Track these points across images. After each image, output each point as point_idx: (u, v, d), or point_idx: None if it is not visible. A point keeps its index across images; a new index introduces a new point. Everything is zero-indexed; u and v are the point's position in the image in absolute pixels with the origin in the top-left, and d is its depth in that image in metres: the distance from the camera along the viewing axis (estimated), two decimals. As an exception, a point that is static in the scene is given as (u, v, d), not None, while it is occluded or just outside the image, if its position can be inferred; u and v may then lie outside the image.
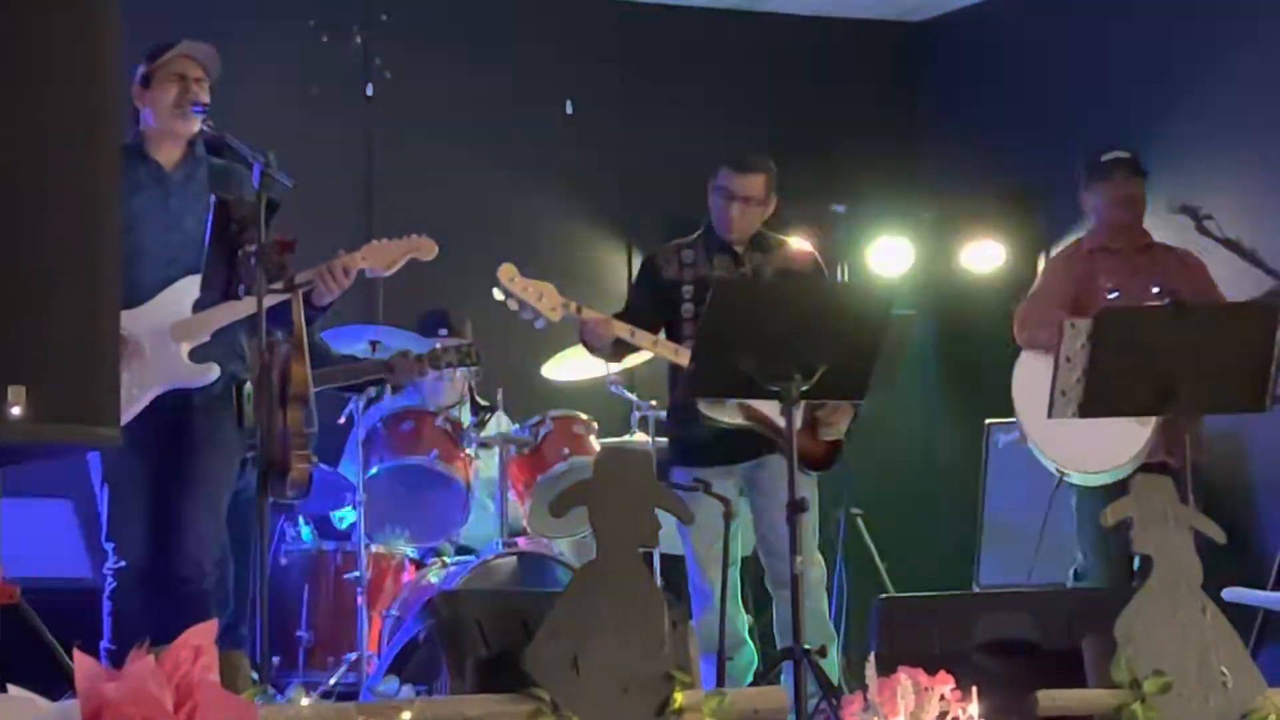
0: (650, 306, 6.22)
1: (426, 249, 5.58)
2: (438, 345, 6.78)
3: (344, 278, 5.39)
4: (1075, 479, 6.21)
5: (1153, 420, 5.97)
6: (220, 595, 5.43)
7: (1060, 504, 6.40)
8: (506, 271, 5.84)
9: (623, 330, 5.95)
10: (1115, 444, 6.05)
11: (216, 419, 5.40)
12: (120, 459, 5.30)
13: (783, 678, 5.37)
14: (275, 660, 6.48)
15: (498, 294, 5.84)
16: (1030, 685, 4.20)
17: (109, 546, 5.46)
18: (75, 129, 3.59)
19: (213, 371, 5.38)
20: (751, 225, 6.27)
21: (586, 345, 6.16)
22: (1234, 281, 6.41)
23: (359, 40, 8.06)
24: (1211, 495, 6.10)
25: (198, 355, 5.38)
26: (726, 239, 6.26)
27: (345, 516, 7.04)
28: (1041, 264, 8.58)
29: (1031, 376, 6.07)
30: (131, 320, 5.09)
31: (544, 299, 5.85)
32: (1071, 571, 6.41)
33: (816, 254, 6.49)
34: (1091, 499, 6.17)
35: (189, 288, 5.36)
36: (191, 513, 5.37)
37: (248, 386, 5.36)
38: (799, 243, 6.53)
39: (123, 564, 5.42)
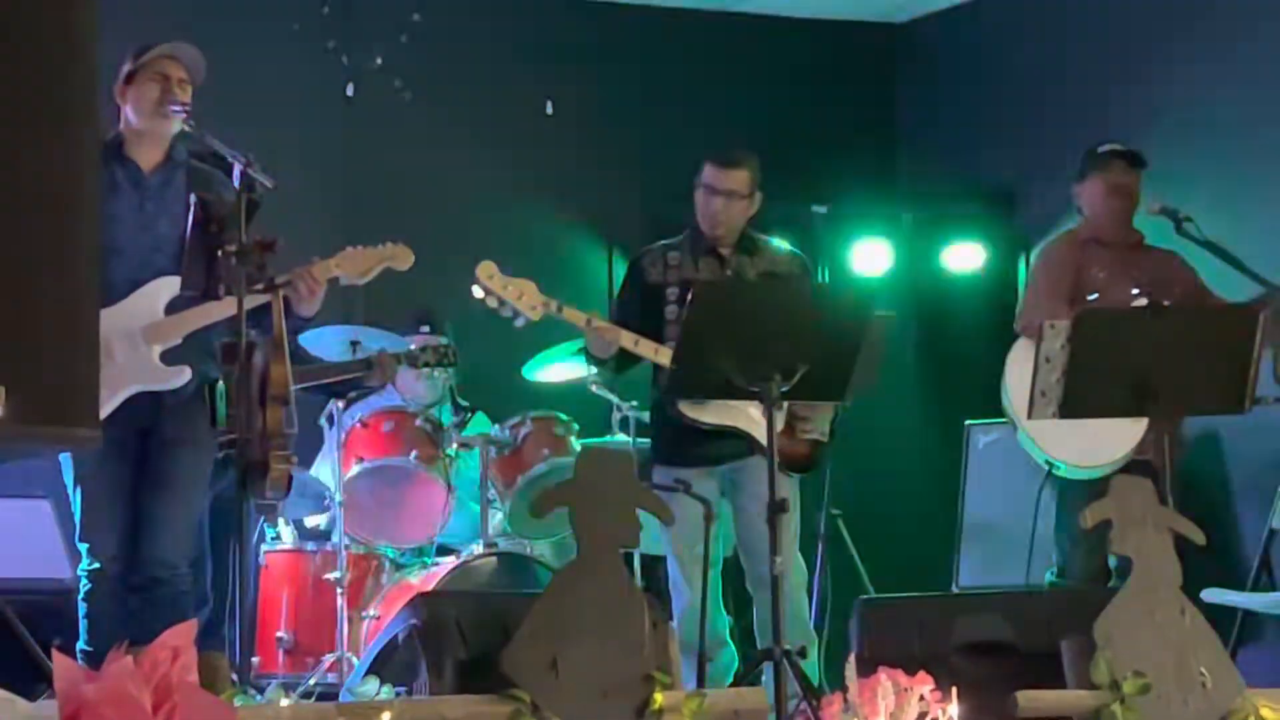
0: (637, 309, 6.22)
1: (402, 257, 5.57)
2: (414, 345, 6.78)
3: (315, 284, 5.37)
4: (1064, 472, 6.21)
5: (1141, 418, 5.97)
6: (197, 596, 5.43)
7: (1030, 498, 6.38)
8: (486, 269, 5.83)
9: (629, 340, 5.94)
10: (1110, 439, 6.05)
11: (188, 420, 5.38)
12: (91, 460, 5.29)
13: (763, 678, 5.37)
14: (255, 661, 6.48)
15: (477, 292, 5.83)
16: (1009, 686, 4.21)
17: (82, 548, 5.45)
18: (53, 129, 3.58)
19: (184, 374, 5.37)
20: (736, 220, 6.27)
21: (592, 358, 6.16)
22: (1217, 283, 6.42)
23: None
24: (1190, 496, 6.11)
25: (169, 357, 5.37)
26: (713, 236, 6.26)
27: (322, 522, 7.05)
28: (1023, 265, 8.60)
29: (1027, 365, 6.05)
30: (103, 321, 5.07)
31: (524, 297, 5.84)
32: (1048, 572, 6.41)
33: (803, 256, 6.49)
34: (1073, 494, 6.18)
35: (161, 289, 5.35)
36: (164, 514, 5.37)
37: (220, 386, 5.35)
38: (785, 244, 6.53)
39: (96, 565, 5.41)
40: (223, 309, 5.17)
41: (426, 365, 6.75)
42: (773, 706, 4.91)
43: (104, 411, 5.16)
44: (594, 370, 6.59)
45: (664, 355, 5.94)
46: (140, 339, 5.34)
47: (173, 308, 5.37)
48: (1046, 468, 6.22)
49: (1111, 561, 6.10)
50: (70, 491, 5.47)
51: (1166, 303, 5.85)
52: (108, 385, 5.21)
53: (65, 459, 5.42)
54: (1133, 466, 5.86)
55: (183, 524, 5.39)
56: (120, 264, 5.35)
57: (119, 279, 5.33)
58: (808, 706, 5.17)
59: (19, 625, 4.99)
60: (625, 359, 6.09)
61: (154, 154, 5.52)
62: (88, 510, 5.42)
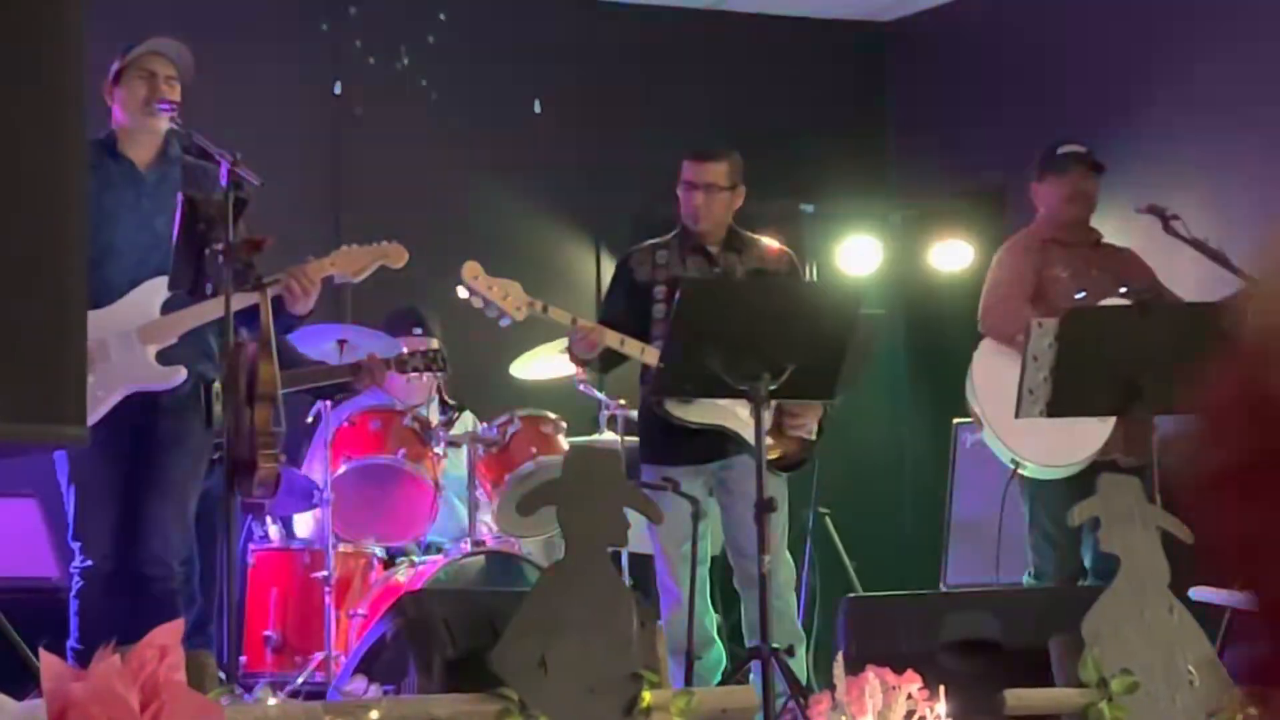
0: (625, 308, 6.22)
1: (396, 256, 5.57)
2: (404, 349, 6.78)
3: (309, 283, 5.37)
4: (1031, 471, 6.21)
5: (1113, 416, 5.98)
6: (187, 595, 5.42)
7: (1014, 499, 6.39)
8: (471, 269, 5.84)
9: (614, 339, 5.94)
10: (1076, 438, 6.06)
11: (184, 420, 5.38)
12: (87, 459, 5.28)
13: (751, 677, 5.38)
14: (242, 660, 6.47)
15: (462, 292, 5.83)
16: (997, 684, 4.22)
17: (75, 545, 5.44)
18: (41, 128, 3.57)
19: (180, 374, 5.36)
20: (718, 215, 6.25)
21: (576, 358, 6.16)
22: (1206, 282, 6.43)
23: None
24: (1179, 494, 6.11)
25: (165, 357, 5.36)
26: (699, 233, 6.25)
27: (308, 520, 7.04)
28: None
29: (992, 366, 6.08)
30: (98, 321, 5.06)
31: (509, 298, 5.84)
32: (1027, 571, 6.42)
33: (792, 254, 6.49)
34: (1043, 495, 6.18)
35: (157, 289, 5.34)
36: (158, 513, 5.36)
37: (216, 386, 5.35)
38: (773, 241, 6.53)
39: (89, 563, 5.40)
40: (217, 308, 5.17)
41: (415, 370, 6.74)
42: (761, 705, 4.91)
43: (99, 412, 5.18)
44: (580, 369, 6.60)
45: (650, 355, 5.94)
46: (135, 339, 5.33)
47: (169, 307, 5.36)
48: (1012, 466, 6.22)
49: (1087, 562, 6.12)
50: (64, 490, 5.46)
51: (1152, 301, 5.86)
52: (103, 385, 5.21)
53: (60, 458, 5.42)
54: (1098, 467, 5.86)
55: (176, 523, 5.38)
56: (118, 262, 5.34)
57: (116, 277, 5.33)
58: (796, 705, 5.18)
59: (6, 625, 4.98)
60: (611, 358, 6.09)
61: (147, 151, 5.51)
62: (82, 509, 5.41)
